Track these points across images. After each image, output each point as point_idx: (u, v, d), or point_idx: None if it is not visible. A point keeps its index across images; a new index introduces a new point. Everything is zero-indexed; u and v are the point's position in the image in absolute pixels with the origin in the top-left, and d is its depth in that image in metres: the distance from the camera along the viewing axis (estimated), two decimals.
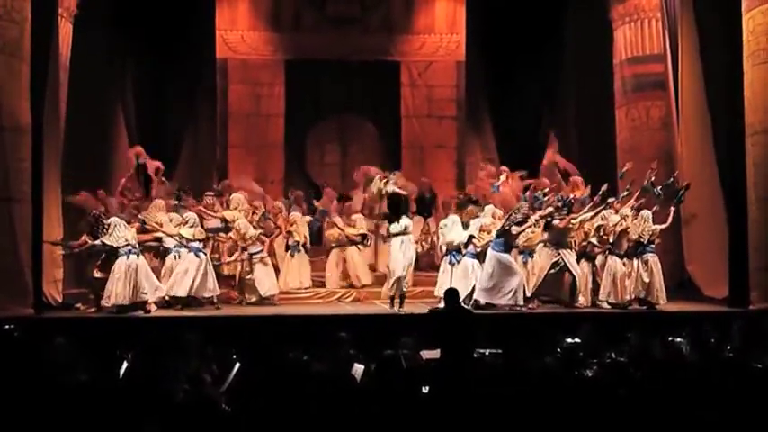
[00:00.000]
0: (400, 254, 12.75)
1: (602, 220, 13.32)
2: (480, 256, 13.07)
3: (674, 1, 14.64)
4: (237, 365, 7.76)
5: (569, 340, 9.31)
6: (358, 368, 7.84)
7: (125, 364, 7.71)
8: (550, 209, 13.29)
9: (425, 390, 6.69)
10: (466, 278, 12.90)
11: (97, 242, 12.50)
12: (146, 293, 12.50)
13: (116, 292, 12.27)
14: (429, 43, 18.16)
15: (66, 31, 14.59)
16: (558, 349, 8.96)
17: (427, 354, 8.90)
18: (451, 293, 9.87)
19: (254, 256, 13.55)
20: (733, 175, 13.20)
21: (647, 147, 16.42)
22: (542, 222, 13.22)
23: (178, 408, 6.20)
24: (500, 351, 8.96)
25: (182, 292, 12.98)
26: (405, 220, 12.93)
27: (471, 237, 13.16)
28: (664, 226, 13.34)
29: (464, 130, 18.39)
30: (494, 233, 13.01)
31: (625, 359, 8.31)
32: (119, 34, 16.92)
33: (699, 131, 14.07)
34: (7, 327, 10.01)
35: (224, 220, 14.02)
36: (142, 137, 17.42)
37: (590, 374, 7.58)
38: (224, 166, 17.71)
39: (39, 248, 12.24)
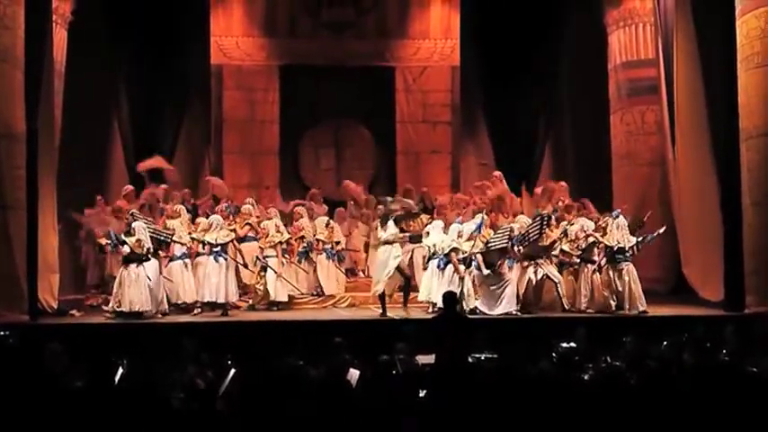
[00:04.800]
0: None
1: (568, 225, 13.43)
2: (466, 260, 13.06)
3: (668, 5, 14.68)
4: (233, 371, 7.75)
5: (565, 345, 9.34)
6: (354, 373, 7.83)
7: (120, 371, 7.70)
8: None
9: (422, 394, 6.70)
10: (452, 284, 12.86)
11: (125, 248, 12.48)
12: (165, 301, 12.65)
13: (129, 299, 12.24)
14: (424, 48, 18.15)
15: (60, 37, 14.60)
16: (554, 354, 8.97)
17: (423, 359, 8.90)
18: (450, 298, 9.83)
19: (267, 260, 13.57)
20: (728, 179, 13.20)
21: (643, 151, 16.47)
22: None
23: (173, 414, 6.20)
24: (496, 356, 8.97)
25: (208, 297, 12.99)
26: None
27: (455, 248, 13.10)
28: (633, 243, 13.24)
29: (459, 136, 18.38)
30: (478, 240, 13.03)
31: (621, 363, 8.31)
32: (114, 41, 16.90)
33: (694, 135, 14.10)
34: (2, 333, 10.01)
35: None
36: (136, 143, 17.40)
37: (586, 379, 7.59)
38: (219, 171, 17.66)
39: (34, 255, 12.22)
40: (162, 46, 17.40)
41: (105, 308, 12.69)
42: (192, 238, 13.29)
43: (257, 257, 13.60)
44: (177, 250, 13.34)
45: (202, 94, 18.00)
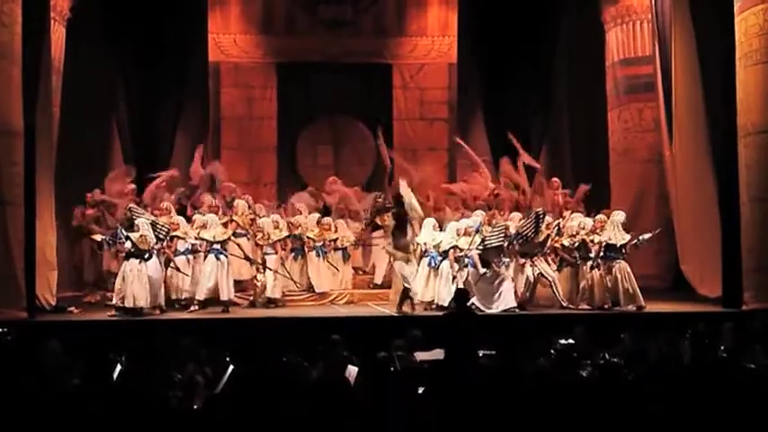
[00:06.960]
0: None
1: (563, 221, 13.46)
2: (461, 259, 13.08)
3: (665, 2, 14.68)
4: (231, 368, 7.75)
5: (563, 341, 9.34)
6: (352, 370, 7.84)
7: (118, 368, 7.70)
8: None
9: (421, 391, 6.70)
10: (449, 282, 12.88)
11: (127, 243, 12.45)
12: (162, 297, 12.66)
13: (133, 294, 12.21)
14: (421, 46, 18.14)
15: (58, 34, 14.57)
16: (552, 350, 8.98)
17: (422, 355, 8.90)
18: (461, 295, 9.82)
19: (266, 257, 13.56)
20: (726, 176, 13.21)
21: (640, 148, 16.48)
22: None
23: (171, 412, 6.19)
24: (494, 352, 8.97)
25: (203, 294, 13.00)
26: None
27: (455, 246, 13.11)
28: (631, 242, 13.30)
29: (456, 133, 18.36)
30: (476, 238, 13.01)
31: (619, 360, 8.32)
32: (112, 38, 16.90)
33: (692, 133, 14.11)
34: (0, 330, 9.99)
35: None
36: (134, 140, 17.41)
37: (584, 375, 7.60)
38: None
39: (32, 252, 12.21)
40: (160, 44, 17.46)
41: (109, 303, 12.65)
42: (201, 238, 13.26)
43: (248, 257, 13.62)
44: (181, 246, 13.36)
45: (200, 92, 17.98)
